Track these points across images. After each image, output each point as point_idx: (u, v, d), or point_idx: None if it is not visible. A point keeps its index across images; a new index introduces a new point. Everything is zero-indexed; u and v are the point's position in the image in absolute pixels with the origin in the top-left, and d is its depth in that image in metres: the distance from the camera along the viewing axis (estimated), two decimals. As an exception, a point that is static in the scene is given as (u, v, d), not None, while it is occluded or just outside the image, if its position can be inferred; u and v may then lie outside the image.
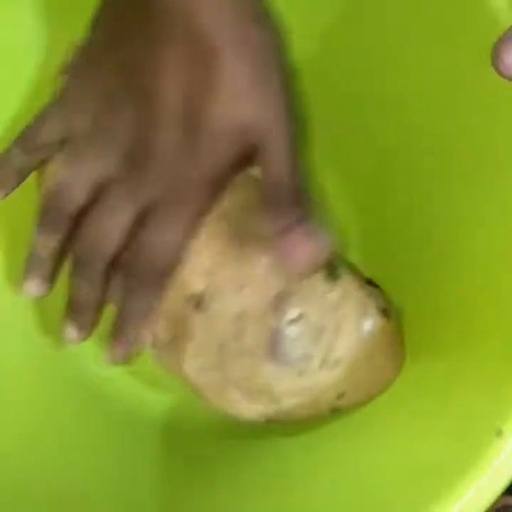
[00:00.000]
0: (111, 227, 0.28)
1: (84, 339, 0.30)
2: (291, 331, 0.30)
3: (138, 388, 0.33)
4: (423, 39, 0.32)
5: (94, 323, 0.30)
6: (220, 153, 0.27)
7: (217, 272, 0.30)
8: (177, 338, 0.30)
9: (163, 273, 0.29)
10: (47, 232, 0.29)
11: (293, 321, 0.30)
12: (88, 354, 0.33)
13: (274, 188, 0.27)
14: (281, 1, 0.29)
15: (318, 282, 0.30)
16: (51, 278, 0.30)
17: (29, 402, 0.31)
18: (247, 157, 0.28)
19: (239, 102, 0.27)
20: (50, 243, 0.29)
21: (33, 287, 0.30)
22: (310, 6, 0.34)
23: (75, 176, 0.28)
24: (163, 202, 0.28)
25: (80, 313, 0.29)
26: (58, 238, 0.29)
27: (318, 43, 0.35)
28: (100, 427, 0.32)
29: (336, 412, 0.31)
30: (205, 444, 0.32)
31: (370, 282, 0.33)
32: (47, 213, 0.29)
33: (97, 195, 0.28)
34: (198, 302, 0.30)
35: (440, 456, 0.27)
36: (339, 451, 0.30)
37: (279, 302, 0.30)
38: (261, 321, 0.30)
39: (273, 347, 0.30)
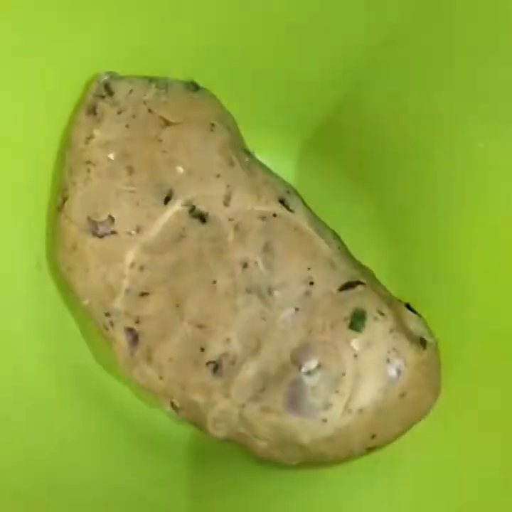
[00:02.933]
0: None
1: None
2: (310, 381, 0.29)
3: (161, 413, 0.34)
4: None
5: None
6: None
7: (233, 337, 0.30)
8: (197, 405, 0.31)
9: None
10: None
11: (312, 371, 0.29)
12: (114, 380, 0.35)
13: None
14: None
15: (341, 331, 0.30)
16: None
17: (56, 423, 0.32)
18: None
19: None
20: None
21: None
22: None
23: None
24: None
25: None
26: None
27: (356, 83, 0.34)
28: (124, 448, 0.33)
29: (371, 450, 0.30)
30: (229, 465, 0.33)
31: (408, 307, 0.32)
32: None
33: None
34: (216, 367, 0.30)
35: (483, 473, 0.27)
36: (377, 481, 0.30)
37: (298, 355, 0.30)
38: (279, 375, 0.30)
39: (292, 399, 0.29)
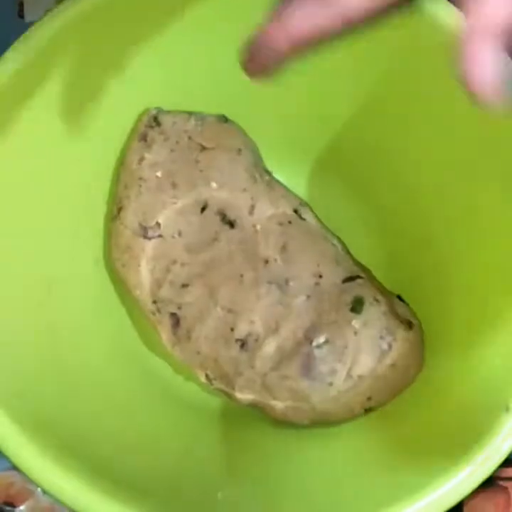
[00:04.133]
0: None
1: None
2: (319, 353, 0.36)
3: (196, 386, 0.40)
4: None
5: None
6: None
7: (257, 319, 0.38)
8: (227, 374, 0.38)
9: None
10: None
11: (320, 345, 0.37)
12: (163, 364, 0.41)
13: None
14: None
15: (344, 313, 0.37)
16: None
17: (111, 396, 0.38)
18: None
19: None
20: None
21: None
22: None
23: None
24: None
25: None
26: None
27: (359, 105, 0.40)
28: (167, 414, 0.39)
29: (368, 411, 0.37)
30: (252, 428, 0.39)
31: (399, 298, 0.39)
32: None
33: None
34: (243, 344, 0.38)
35: (458, 422, 0.33)
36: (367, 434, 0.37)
37: (309, 333, 0.37)
38: (295, 349, 0.37)
39: (305, 367, 0.36)
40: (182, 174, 0.39)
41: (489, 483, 0.39)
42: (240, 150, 0.40)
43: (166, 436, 0.39)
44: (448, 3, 0.35)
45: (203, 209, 0.39)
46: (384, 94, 0.39)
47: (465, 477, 0.30)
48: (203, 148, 0.40)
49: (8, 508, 0.41)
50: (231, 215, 0.39)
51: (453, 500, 0.31)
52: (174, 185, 0.39)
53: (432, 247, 0.40)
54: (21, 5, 0.46)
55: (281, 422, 0.38)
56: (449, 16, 0.34)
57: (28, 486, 0.42)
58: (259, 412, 0.38)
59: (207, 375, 0.38)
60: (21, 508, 0.41)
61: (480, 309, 0.36)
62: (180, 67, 0.39)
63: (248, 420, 0.40)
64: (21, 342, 0.36)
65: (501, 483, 0.42)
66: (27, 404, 0.34)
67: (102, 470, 0.33)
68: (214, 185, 0.39)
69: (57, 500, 0.32)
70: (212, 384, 0.38)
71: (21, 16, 0.46)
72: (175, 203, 0.39)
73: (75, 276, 0.40)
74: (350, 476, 0.35)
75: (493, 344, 0.34)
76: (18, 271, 0.37)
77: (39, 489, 0.42)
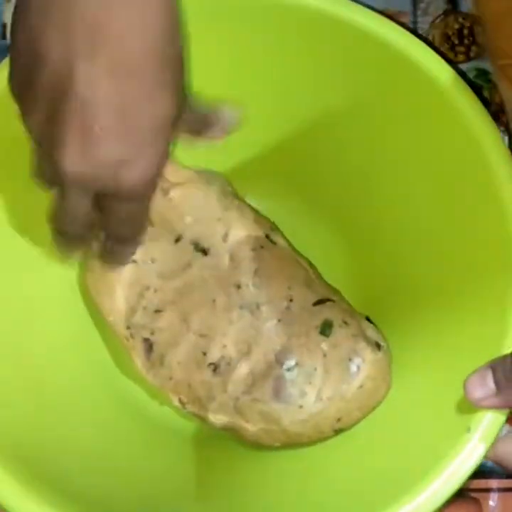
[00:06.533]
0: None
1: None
2: (289, 375, 0.37)
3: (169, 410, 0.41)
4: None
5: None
6: None
7: (229, 343, 0.38)
8: (200, 399, 0.38)
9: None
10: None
11: (291, 368, 0.37)
12: (137, 388, 0.42)
13: None
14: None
15: (314, 336, 0.38)
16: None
17: (85, 419, 0.39)
18: None
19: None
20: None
21: None
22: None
23: None
24: None
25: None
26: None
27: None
28: (141, 438, 0.40)
29: (338, 432, 0.38)
30: (226, 450, 0.40)
31: (367, 319, 0.40)
32: None
33: None
34: (215, 368, 0.38)
35: (423, 442, 0.34)
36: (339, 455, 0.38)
37: (280, 356, 0.38)
38: (266, 372, 0.38)
39: (276, 390, 0.37)
40: (156, 212, 0.39)
41: (460, 495, 0.40)
42: (209, 180, 0.41)
43: (141, 459, 0.40)
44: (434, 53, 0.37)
45: (177, 240, 0.40)
46: (346, 122, 0.41)
47: (427, 498, 0.31)
48: (174, 184, 0.40)
49: None
50: (205, 244, 0.40)
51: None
52: (150, 223, 0.39)
53: (399, 267, 0.41)
54: (4, 27, 0.46)
55: (254, 445, 0.39)
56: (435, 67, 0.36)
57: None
58: (232, 435, 0.39)
59: (180, 399, 0.39)
60: None
61: (447, 331, 0.37)
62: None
63: (223, 443, 0.40)
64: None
65: (473, 494, 0.43)
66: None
67: (73, 493, 0.34)
68: (188, 219, 0.40)
69: None
70: (185, 408, 0.39)
71: (4, 37, 0.46)
72: (150, 233, 0.39)
73: (51, 300, 0.41)
74: (323, 495, 0.36)
75: (459, 366, 0.35)
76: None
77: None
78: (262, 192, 0.44)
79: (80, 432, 0.38)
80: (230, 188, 0.42)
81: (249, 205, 0.43)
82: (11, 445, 0.34)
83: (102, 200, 0.31)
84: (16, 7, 0.29)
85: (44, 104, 0.28)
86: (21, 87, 0.29)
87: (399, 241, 0.41)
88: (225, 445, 0.40)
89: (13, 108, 0.30)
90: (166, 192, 0.40)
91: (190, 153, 0.38)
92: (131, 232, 0.35)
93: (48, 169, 0.31)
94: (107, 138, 0.28)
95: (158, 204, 0.39)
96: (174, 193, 0.40)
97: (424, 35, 0.48)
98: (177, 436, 0.41)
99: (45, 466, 0.34)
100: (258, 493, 0.38)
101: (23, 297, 0.39)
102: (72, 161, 0.28)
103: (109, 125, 0.28)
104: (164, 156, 0.31)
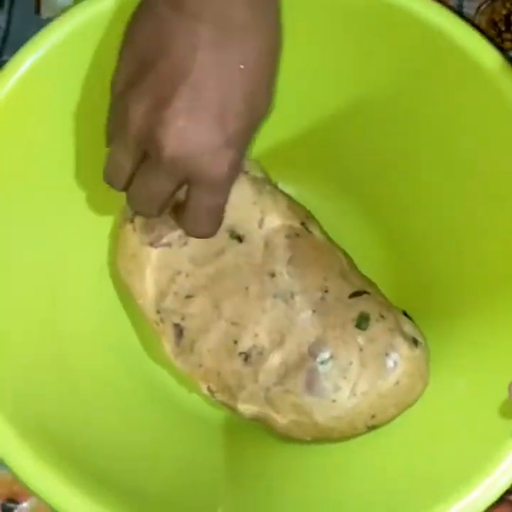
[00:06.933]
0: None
1: None
2: (323, 369, 0.36)
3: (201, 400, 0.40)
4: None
5: None
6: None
7: (261, 332, 0.37)
8: (230, 388, 0.37)
9: None
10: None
11: (325, 361, 0.36)
12: (168, 377, 0.41)
13: None
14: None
15: (349, 329, 0.37)
16: None
17: (112, 403, 0.38)
18: None
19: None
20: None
21: None
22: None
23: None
24: None
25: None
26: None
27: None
28: (171, 424, 0.40)
29: (371, 429, 0.37)
30: (254, 441, 0.39)
31: (405, 314, 0.39)
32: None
33: None
34: (247, 357, 0.37)
35: (462, 446, 0.33)
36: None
37: (314, 348, 0.36)
38: (299, 364, 0.36)
39: (309, 383, 0.36)
40: None
41: (500, 499, 0.39)
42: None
43: (167, 446, 0.39)
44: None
45: None
46: (388, 109, 0.39)
47: (463, 508, 0.30)
48: None
49: (11, 505, 0.41)
50: (240, 231, 0.39)
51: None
52: None
53: (438, 262, 0.40)
54: (38, 2, 0.47)
55: (284, 437, 0.38)
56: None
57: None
58: (262, 426, 0.38)
59: (209, 388, 0.38)
60: (24, 504, 0.41)
61: (489, 331, 0.36)
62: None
63: (251, 434, 0.39)
64: (25, 346, 0.36)
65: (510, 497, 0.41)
66: (27, 408, 0.33)
67: (100, 477, 0.33)
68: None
69: (47, 504, 0.31)
70: (214, 396, 0.38)
71: (38, 12, 0.47)
72: None
73: (80, 282, 0.40)
74: (350, 494, 0.35)
75: (502, 368, 0.34)
76: (23, 276, 0.37)
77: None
78: (297, 179, 0.43)
79: (105, 414, 0.38)
80: (262, 174, 0.41)
81: (284, 193, 0.41)
82: (35, 421, 0.33)
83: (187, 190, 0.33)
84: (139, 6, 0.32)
85: (154, 94, 0.31)
86: (128, 84, 0.32)
87: (440, 235, 0.40)
88: (254, 435, 0.39)
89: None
90: None
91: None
92: (208, 228, 0.35)
93: (130, 160, 0.33)
94: (210, 125, 0.31)
95: None
96: None
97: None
98: (206, 424, 0.40)
99: (69, 446, 0.34)
100: (283, 485, 0.37)
101: (52, 277, 0.38)
102: (174, 142, 0.30)
103: (214, 114, 0.31)
104: (247, 151, 0.33)
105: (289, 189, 0.42)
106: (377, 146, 0.41)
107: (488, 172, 0.37)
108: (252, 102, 0.31)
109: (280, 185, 0.42)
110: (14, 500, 0.41)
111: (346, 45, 0.38)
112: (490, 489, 0.30)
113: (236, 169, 0.33)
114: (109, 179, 0.34)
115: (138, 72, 0.31)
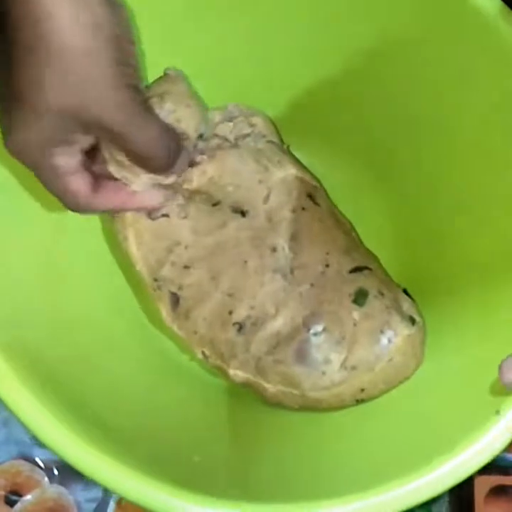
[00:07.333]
0: None
1: None
2: (315, 340, 0.36)
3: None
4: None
5: None
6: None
7: (257, 305, 0.37)
8: (222, 354, 0.38)
9: None
10: None
11: (318, 333, 0.36)
12: (175, 348, 0.41)
13: None
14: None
15: (346, 304, 0.37)
16: None
17: (111, 350, 0.39)
18: None
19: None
20: None
21: None
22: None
23: None
24: None
25: None
26: None
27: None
28: (170, 380, 0.40)
29: (360, 402, 0.37)
30: (254, 405, 0.39)
31: (405, 292, 0.39)
32: None
33: None
34: (240, 327, 0.37)
35: (448, 420, 0.33)
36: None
37: (308, 319, 0.37)
38: (292, 335, 0.37)
39: (300, 353, 0.36)
40: (195, 190, 0.38)
41: (504, 493, 0.40)
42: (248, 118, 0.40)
43: (163, 396, 0.39)
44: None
45: (216, 204, 0.38)
46: (395, 68, 0.38)
47: (445, 472, 0.30)
48: (207, 159, 0.38)
49: (14, 497, 0.42)
50: (244, 207, 0.38)
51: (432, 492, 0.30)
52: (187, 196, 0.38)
53: (444, 240, 0.39)
54: None
55: (273, 404, 0.38)
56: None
57: (35, 475, 0.42)
58: (253, 392, 0.38)
59: (203, 352, 0.38)
60: (28, 497, 0.42)
61: (487, 311, 0.35)
62: (189, 56, 0.39)
63: (243, 396, 0.40)
64: (28, 287, 0.36)
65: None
66: (26, 350, 0.33)
67: (93, 420, 0.33)
68: (230, 188, 0.38)
69: (42, 442, 0.31)
70: (207, 361, 0.39)
71: None
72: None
73: (81, 227, 0.40)
74: (330, 460, 0.35)
75: (495, 347, 0.33)
76: (27, 213, 0.37)
77: (46, 479, 0.42)
78: (307, 148, 0.42)
79: (104, 360, 0.38)
80: (273, 136, 0.40)
81: (294, 158, 0.41)
82: (30, 362, 0.33)
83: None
84: None
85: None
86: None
87: (448, 212, 0.39)
88: (246, 397, 0.39)
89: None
90: (204, 173, 0.38)
91: (233, 91, 0.37)
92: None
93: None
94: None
95: (198, 184, 0.38)
96: (210, 169, 0.38)
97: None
98: (208, 387, 0.40)
99: (65, 388, 0.33)
100: (277, 450, 0.37)
101: (54, 217, 0.38)
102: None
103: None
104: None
105: (300, 155, 0.41)
106: (388, 112, 0.40)
107: (498, 142, 0.35)
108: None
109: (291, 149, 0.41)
110: (18, 493, 0.42)
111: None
112: (470, 460, 0.30)
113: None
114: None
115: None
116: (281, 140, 0.41)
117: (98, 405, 0.34)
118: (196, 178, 0.38)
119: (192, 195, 0.38)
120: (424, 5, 0.35)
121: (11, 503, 0.42)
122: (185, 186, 0.37)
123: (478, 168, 0.37)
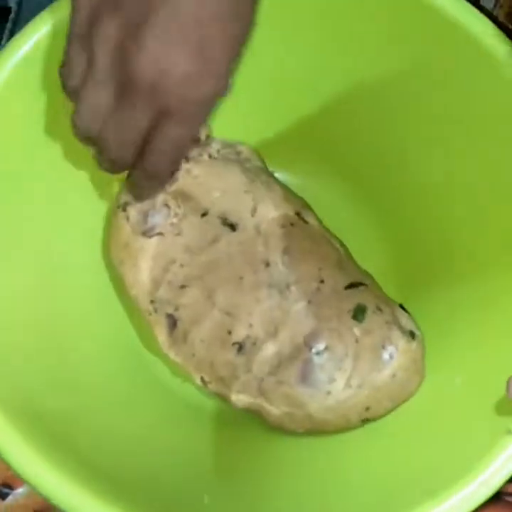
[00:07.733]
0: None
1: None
2: (318, 360, 0.36)
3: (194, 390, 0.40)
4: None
5: None
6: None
7: (255, 323, 0.37)
8: (223, 378, 0.37)
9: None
10: None
11: (320, 352, 0.36)
12: (163, 366, 0.40)
13: None
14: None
15: (345, 321, 0.36)
16: None
17: (106, 388, 0.38)
18: None
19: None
20: None
21: None
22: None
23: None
24: None
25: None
26: None
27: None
28: (163, 411, 0.39)
29: (365, 422, 0.36)
30: (246, 432, 0.39)
31: (402, 307, 0.39)
32: None
33: None
34: (240, 347, 0.37)
35: (458, 442, 0.33)
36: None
37: (309, 338, 0.36)
38: (293, 355, 0.36)
39: (303, 374, 0.36)
40: (182, 192, 0.38)
41: (496, 498, 0.38)
42: (232, 153, 0.40)
43: (157, 431, 0.38)
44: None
45: (204, 214, 0.38)
46: (387, 94, 0.39)
47: (455, 504, 0.29)
48: (197, 161, 0.39)
49: (6, 490, 0.41)
50: (233, 218, 0.38)
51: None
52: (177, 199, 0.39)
53: (437, 256, 0.39)
54: None
55: (277, 429, 0.37)
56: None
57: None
58: (254, 417, 0.38)
59: (202, 378, 0.38)
60: (20, 490, 0.41)
61: (487, 328, 0.35)
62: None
63: (244, 424, 0.39)
64: (20, 330, 0.35)
65: (508, 498, 0.41)
66: (20, 394, 0.33)
67: (88, 463, 0.32)
68: (216, 194, 0.38)
69: (37, 491, 0.31)
70: (207, 387, 0.38)
71: None
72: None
73: (76, 270, 0.39)
74: (342, 488, 0.34)
75: (501, 365, 0.33)
76: (18, 259, 0.36)
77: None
78: (294, 168, 0.42)
79: (99, 399, 0.37)
80: (258, 162, 0.41)
81: (279, 182, 0.41)
82: (22, 403, 0.32)
83: (154, 127, 0.31)
84: None
85: (126, 13, 0.29)
86: (91, 21, 0.30)
87: (438, 227, 0.39)
88: (247, 426, 0.39)
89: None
90: (189, 171, 0.38)
91: (218, 124, 0.37)
92: (168, 165, 0.34)
93: (105, 96, 0.31)
94: (182, 49, 0.29)
95: (183, 183, 0.38)
96: (198, 171, 0.38)
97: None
98: (198, 414, 0.40)
99: (55, 426, 0.33)
100: (274, 478, 0.36)
101: (47, 260, 0.38)
102: (151, 67, 0.29)
103: (186, 37, 0.29)
104: (225, 86, 0.31)
105: (285, 178, 0.41)
106: (376, 134, 0.40)
107: (494, 158, 0.36)
108: (229, 24, 0.30)
109: (277, 175, 0.41)
110: (9, 486, 0.41)
111: (343, 26, 0.37)
112: (483, 486, 0.30)
113: (211, 102, 0.31)
114: (86, 128, 0.32)
115: (102, 5, 0.29)
116: (267, 167, 0.41)
117: (91, 447, 0.33)
118: (181, 177, 0.38)
119: (177, 196, 0.38)
120: (433, 46, 0.36)
121: (2, 496, 0.40)
122: (170, 185, 0.37)
123: (471, 186, 0.37)
